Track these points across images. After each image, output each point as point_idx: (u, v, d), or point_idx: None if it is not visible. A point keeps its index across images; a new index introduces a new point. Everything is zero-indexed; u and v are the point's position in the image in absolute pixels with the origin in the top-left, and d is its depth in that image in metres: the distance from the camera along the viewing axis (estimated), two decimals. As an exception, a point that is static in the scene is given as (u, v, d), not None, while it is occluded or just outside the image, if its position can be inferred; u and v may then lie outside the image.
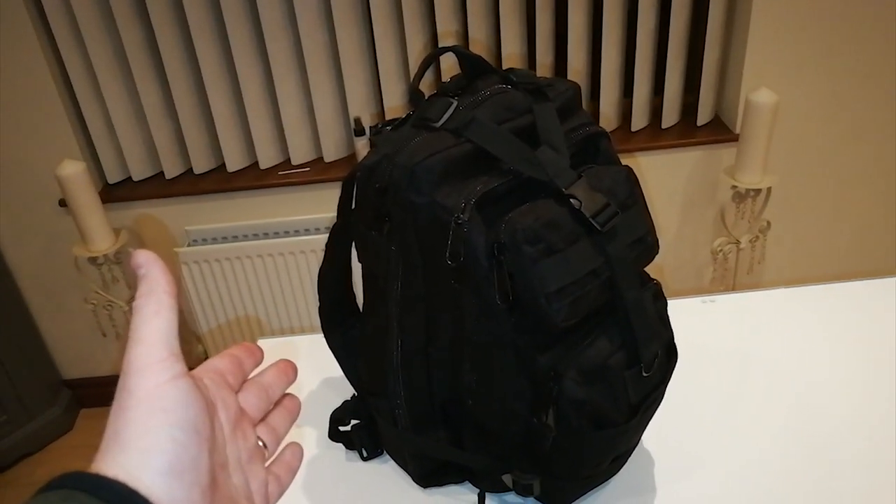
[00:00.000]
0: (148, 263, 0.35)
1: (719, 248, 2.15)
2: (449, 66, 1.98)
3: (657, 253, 0.69)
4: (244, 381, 0.42)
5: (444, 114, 0.64)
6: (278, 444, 0.44)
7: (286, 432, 0.45)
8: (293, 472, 0.44)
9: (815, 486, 0.74)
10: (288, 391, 0.46)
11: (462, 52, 0.71)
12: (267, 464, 0.42)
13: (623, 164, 0.70)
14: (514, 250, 0.59)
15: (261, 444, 0.41)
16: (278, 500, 0.42)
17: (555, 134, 0.65)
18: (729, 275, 2.28)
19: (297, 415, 0.46)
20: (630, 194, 0.66)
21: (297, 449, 0.45)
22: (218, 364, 0.40)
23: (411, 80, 2.00)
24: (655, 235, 0.69)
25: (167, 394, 0.32)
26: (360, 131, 2.02)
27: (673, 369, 0.71)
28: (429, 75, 2.02)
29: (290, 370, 0.46)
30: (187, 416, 0.32)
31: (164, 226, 2.15)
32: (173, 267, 2.19)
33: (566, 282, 0.60)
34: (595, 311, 0.64)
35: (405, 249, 0.65)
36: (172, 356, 0.33)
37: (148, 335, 0.33)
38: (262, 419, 0.43)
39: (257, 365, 0.44)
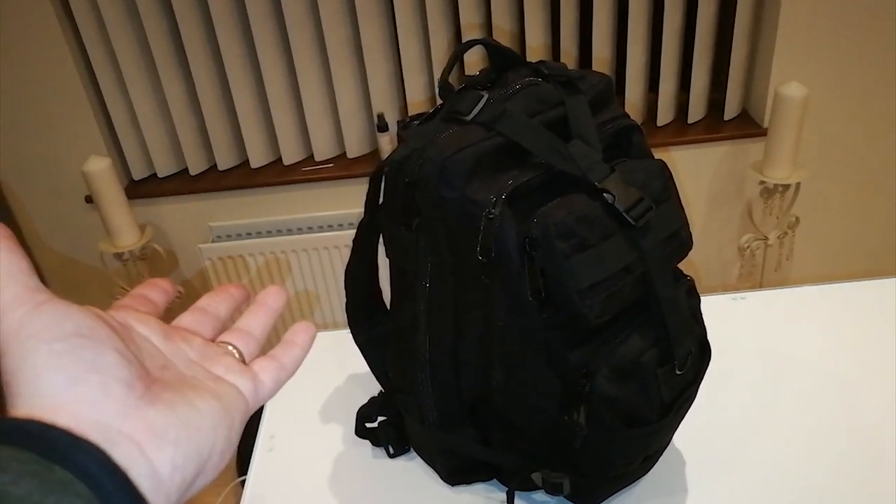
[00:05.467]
0: None
1: (746, 245, 2.12)
2: (473, 59, 1.97)
3: (691, 248, 0.68)
4: (157, 310, 0.41)
5: (475, 107, 0.63)
6: (257, 343, 0.43)
7: (265, 329, 0.44)
8: (301, 348, 0.44)
9: (849, 485, 0.72)
10: (270, 287, 0.46)
11: (492, 45, 0.70)
12: (252, 361, 0.41)
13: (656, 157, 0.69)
14: (546, 245, 0.58)
15: (230, 347, 0.41)
16: (285, 378, 0.42)
17: (587, 127, 0.64)
18: (756, 271, 2.24)
19: (279, 308, 0.45)
20: (664, 188, 0.65)
21: (300, 326, 0.44)
22: (122, 303, 0.40)
23: (436, 74, 1.99)
24: (689, 230, 0.68)
25: (32, 321, 0.31)
26: (383, 127, 2.02)
27: (706, 367, 0.70)
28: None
29: (234, 290, 0.45)
30: (63, 329, 0.31)
31: (189, 221, 2.16)
32: (197, 262, 2.20)
33: (599, 278, 0.59)
34: (628, 307, 0.63)
35: (434, 245, 0.64)
36: (28, 290, 0.31)
37: None
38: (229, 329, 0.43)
39: (169, 297, 0.43)
